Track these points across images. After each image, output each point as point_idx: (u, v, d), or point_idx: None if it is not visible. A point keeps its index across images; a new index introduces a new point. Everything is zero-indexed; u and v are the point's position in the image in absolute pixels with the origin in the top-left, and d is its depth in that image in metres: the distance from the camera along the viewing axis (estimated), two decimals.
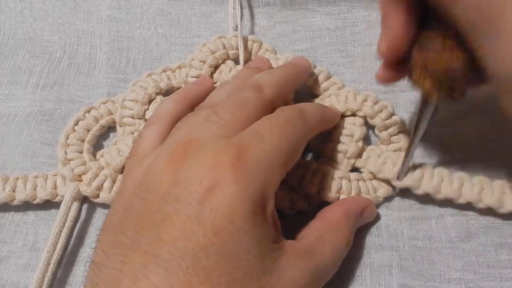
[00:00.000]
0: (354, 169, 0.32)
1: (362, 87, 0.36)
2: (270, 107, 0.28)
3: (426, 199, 0.30)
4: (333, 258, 0.26)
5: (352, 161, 0.32)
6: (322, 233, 0.26)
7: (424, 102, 0.27)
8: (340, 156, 0.32)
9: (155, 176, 0.24)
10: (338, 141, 0.32)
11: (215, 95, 0.30)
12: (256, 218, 0.23)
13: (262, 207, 0.24)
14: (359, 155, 0.32)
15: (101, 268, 0.23)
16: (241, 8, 0.39)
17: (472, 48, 0.22)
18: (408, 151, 0.29)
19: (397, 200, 0.31)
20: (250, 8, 0.40)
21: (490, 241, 0.29)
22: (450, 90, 0.25)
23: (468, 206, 0.30)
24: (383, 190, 0.31)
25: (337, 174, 0.31)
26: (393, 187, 0.31)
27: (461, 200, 0.29)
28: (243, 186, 0.23)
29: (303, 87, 0.35)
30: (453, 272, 0.29)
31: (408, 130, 0.33)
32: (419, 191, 0.29)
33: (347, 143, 0.32)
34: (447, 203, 0.30)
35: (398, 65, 0.26)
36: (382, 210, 0.31)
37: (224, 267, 0.22)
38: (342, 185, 0.30)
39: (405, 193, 0.31)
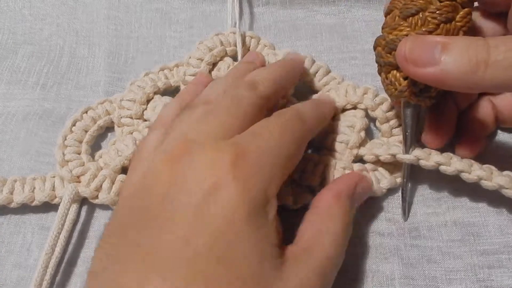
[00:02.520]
0: (357, 161, 0.32)
1: (362, 84, 0.35)
2: (266, 105, 0.28)
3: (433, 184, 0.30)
4: (334, 248, 0.25)
5: (354, 151, 0.31)
6: (318, 226, 0.25)
7: (405, 105, 0.28)
8: (342, 147, 0.31)
9: (153, 177, 0.24)
10: (339, 133, 0.31)
11: (209, 91, 0.29)
12: (257, 220, 0.22)
13: (263, 209, 0.23)
14: (361, 145, 0.31)
15: (103, 271, 0.22)
16: (241, 7, 0.39)
17: None
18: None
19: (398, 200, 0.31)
20: (250, 7, 0.40)
21: (491, 241, 0.29)
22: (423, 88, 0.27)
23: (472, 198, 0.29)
24: (386, 181, 0.30)
25: (339, 164, 0.30)
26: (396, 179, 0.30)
27: (472, 175, 0.27)
28: (243, 186, 0.22)
29: (302, 83, 0.35)
30: (454, 272, 0.28)
31: None
32: (429, 162, 0.28)
33: (348, 134, 0.31)
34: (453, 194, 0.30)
35: None
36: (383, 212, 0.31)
37: (223, 276, 0.21)
38: None
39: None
